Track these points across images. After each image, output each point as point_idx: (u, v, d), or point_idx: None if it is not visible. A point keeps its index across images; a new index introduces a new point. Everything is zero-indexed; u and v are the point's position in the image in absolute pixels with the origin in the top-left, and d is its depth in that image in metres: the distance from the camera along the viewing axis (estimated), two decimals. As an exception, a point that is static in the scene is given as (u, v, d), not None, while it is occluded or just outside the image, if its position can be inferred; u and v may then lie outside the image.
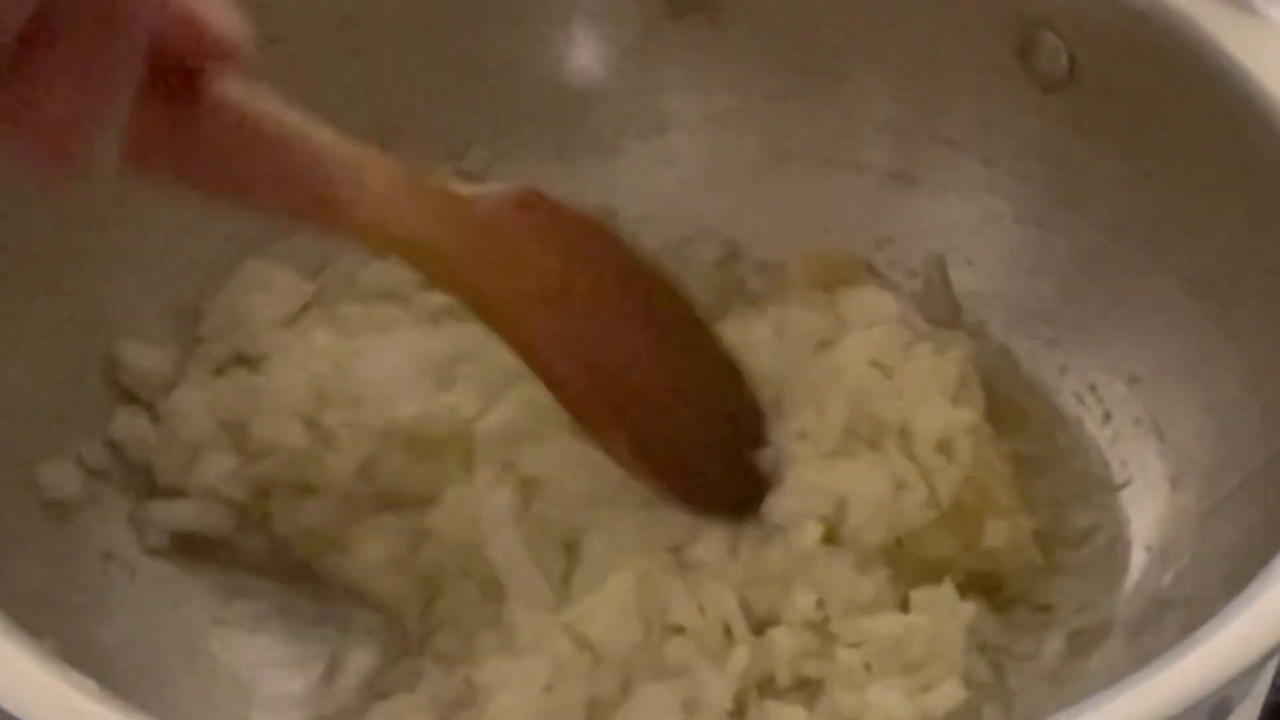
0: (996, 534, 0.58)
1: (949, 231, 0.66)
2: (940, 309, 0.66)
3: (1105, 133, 0.61)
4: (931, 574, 0.57)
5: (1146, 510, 0.59)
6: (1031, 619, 0.58)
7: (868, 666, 0.54)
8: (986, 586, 0.58)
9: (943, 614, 0.56)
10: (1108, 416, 0.62)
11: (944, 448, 0.58)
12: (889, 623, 0.55)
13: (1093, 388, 0.63)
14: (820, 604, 0.55)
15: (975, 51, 0.63)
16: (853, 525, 0.56)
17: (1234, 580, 0.48)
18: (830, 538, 0.56)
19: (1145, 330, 0.61)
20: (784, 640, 0.55)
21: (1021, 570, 0.59)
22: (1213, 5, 0.58)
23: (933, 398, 0.59)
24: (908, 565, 0.57)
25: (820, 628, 0.55)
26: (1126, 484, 0.61)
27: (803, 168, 0.67)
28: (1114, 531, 0.60)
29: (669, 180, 0.68)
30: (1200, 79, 0.58)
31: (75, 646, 0.48)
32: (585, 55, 0.67)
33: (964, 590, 0.57)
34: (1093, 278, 0.63)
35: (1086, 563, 0.59)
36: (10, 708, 0.42)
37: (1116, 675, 0.53)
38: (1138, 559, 0.58)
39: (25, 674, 0.43)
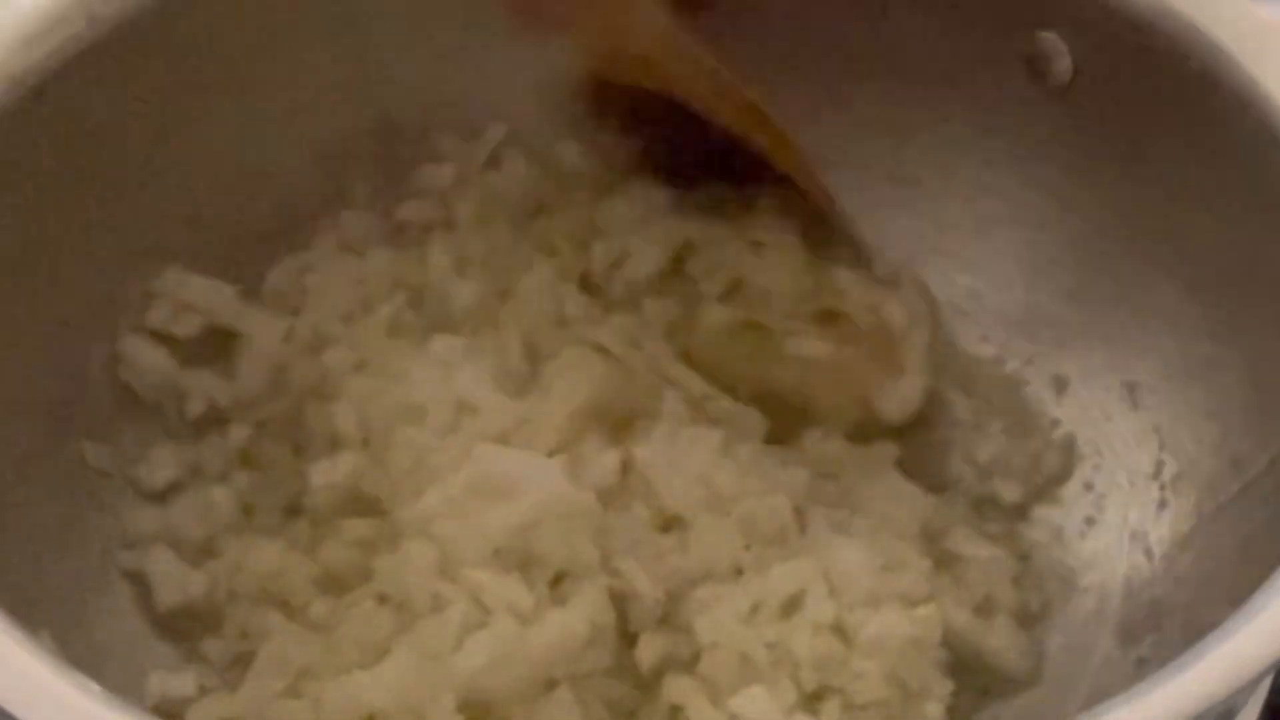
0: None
1: (949, 233, 0.66)
2: None
3: (1107, 137, 0.61)
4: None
5: (1146, 515, 0.60)
6: (1019, 626, 0.58)
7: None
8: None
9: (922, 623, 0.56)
10: (1108, 421, 0.62)
11: None
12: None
13: (1092, 393, 0.63)
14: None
15: (978, 54, 0.63)
16: None
17: (1234, 586, 0.48)
18: None
19: (1146, 335, 0.61)
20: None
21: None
22: (1215, 10, 0.58)
23: None
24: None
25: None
26: (1128, 489, 0.61)
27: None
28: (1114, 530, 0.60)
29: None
30: (1203, 84, 0.57)
31: (74, 643, 0.48)
32: (588, 53, 0.67)
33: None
34: (1093, 282, 0.63)
35: (1087, 559, 0.59)
36: (10, 707, 0.42)
37: (1116, 681, 0.54)
38: (1137, 563, 0.58)
39: (25, 673, 0.43)
